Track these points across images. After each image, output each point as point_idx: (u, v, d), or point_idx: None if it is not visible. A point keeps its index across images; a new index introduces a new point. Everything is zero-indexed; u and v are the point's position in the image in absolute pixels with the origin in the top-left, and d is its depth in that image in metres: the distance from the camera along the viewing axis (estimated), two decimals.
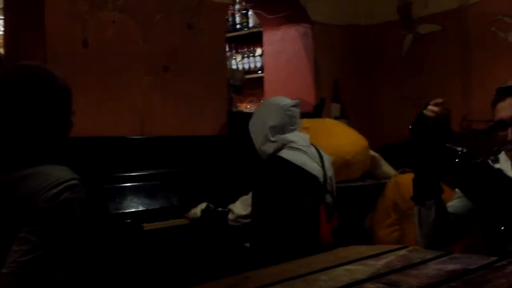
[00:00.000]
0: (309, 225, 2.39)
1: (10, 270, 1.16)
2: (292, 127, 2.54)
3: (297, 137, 2.52)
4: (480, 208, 1.70)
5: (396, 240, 3.06)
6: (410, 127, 1.59)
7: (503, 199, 1.46)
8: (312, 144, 2.56)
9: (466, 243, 1.91)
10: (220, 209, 2.58)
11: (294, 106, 2.57)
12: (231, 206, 2.55)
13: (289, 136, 2.49)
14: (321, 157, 2.53)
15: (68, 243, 1.22)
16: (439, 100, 1.57)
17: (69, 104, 1.40)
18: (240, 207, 2.51)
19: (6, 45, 3.19)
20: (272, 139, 2.50)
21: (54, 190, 1.22)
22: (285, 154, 2.44)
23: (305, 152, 2.47)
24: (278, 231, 2.35)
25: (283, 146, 2.48)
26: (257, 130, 2.57)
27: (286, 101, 2.58)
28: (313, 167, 2.45)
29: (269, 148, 2.51)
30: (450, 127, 1.57)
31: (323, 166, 2.50)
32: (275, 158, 2.46)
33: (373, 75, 4.37)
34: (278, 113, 2.52)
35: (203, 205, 2.64)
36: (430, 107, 1.56)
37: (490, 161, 1.74)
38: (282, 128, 2.50)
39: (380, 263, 1.49)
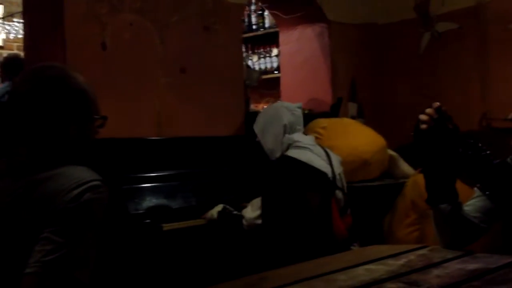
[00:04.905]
0: (321, 219, 2.41)
1: (34, 270, 1.17)
2: (299, 127, 2.66)
3: (302, 137, 2.63)
4: (500, 208, 1.68)
5: (416, 240, 3.04)
6: (411, 133, 1.58)
7: None
8: (318, 144, 2.64)
9: (485, 242, 1.89)
10: (235, 212, 2.60)
11: (298, 108, 2.73)
12: (243, 212, 2.57)
13: (295, 136, 2.59)
14: (328, 155, 2.58)
15: (90, 243, 1.23)
16: (436, 104, 1.55)
17: (89, 105, 1.40)
18: (250, 211, 2.54)
19: (26, 49, 3.23)
20: (283, 138, 2.58)
21: (77, 191, 1.23)
22: (292, 153, 2.52)
23: (311, 150, 2.54)
24: (291, 227, 2.36)
25: (289, 146, 2.56)
26: (267, 131, 2.64)
27: (290, 104, 2.78)
28: (320, 164, 2.50)
29: (279, 147, 2.58)
30: (452, 130, 1.55)
31: (330, 164, 2.54)
32: (282, 157, 2.54)
33: (391, 74, 4.34)
34: (288, 112, 2.66)
35: (219, 207, 2.65)
36: (426, 110, 1.55)
37: (509, 161, 1.72)
38: (292, 127, 2.61)
39: (400, 262, 1.48)
